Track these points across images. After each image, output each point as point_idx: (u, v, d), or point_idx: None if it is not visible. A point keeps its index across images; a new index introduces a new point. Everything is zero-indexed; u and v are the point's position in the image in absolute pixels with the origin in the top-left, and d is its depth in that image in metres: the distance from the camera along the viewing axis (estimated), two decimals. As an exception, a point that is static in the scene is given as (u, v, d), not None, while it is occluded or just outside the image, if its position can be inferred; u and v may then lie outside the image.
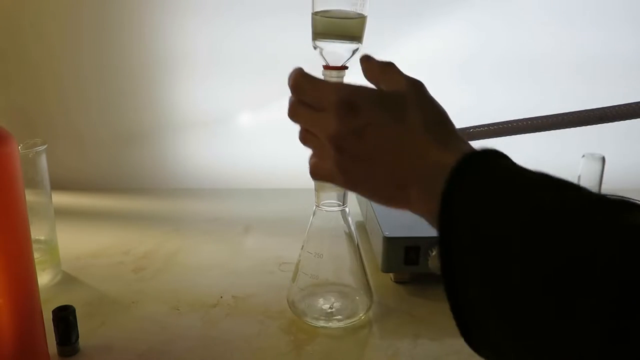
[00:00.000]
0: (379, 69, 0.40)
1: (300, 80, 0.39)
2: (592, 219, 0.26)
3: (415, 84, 0.38)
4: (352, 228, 0.54)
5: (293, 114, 0.40)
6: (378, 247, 0.61)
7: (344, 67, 0.49)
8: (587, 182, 0.70)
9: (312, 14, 0.48)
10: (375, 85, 0.40)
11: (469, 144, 0.35)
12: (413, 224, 0.62)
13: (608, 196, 0.28)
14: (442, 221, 0.30)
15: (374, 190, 0.37)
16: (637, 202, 0.27)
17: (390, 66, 0.40)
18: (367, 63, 0.41)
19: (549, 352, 0.26)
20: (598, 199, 0.28)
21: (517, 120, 0.50)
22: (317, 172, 0.40)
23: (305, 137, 0.40)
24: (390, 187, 0.35)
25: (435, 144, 0.34)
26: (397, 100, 0.36)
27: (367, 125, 0.35)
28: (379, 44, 0.92)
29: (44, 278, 0.60)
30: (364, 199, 0.75)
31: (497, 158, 0.32)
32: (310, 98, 0.39)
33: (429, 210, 0.32)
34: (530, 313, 0.26)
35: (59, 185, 0.80)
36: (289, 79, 0.40)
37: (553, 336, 0.25)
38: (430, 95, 0.38)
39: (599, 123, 0.47)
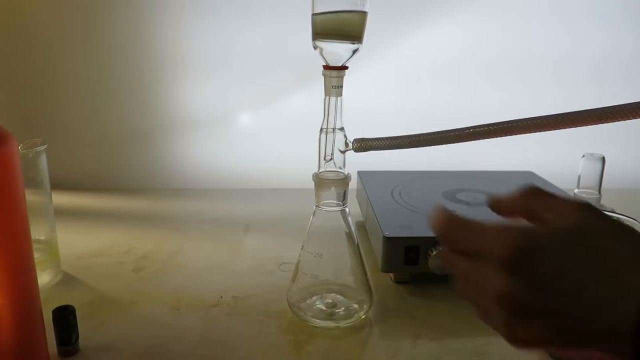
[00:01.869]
0: (546, 198, 0.33)
1: (450, 231, 0.33)
2: None
3: (589, 208, 0.32)
4: (352, 228, 0.54)
5: (449, 264, 0.34)
6: (378, 247, 0.61)
7: (344, 67, 0.49)
8: (587, 182, 0.70)
9: (312, 14, 0.48)
10: (532, 217, 0.33)
11: None
12: (413, 224, 0.62)
13: None
14: None
15: (550, 343, 0.31)
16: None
17: (554, 196, 0.33)
18: (531, 194, 0.34)
19: None
20: None
21: (517, 120, 0.50)
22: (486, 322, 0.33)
23: (465, 290, 0.34)
24: (575, 337, 0.30)
25: None
26: (579, 236, 0.30)
27: (548, 275, 0.29)
28: (379, 44, 0.92)
29: (44, 278, 0.60)
30: (363, 199, 0.75)
31: None
32: (467, 248, 0.33)
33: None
34: None
35: (59, 185, 0.80)
36: (434, 224, 0.34)
37: None
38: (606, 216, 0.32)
39: (599, 123, 0.47)
